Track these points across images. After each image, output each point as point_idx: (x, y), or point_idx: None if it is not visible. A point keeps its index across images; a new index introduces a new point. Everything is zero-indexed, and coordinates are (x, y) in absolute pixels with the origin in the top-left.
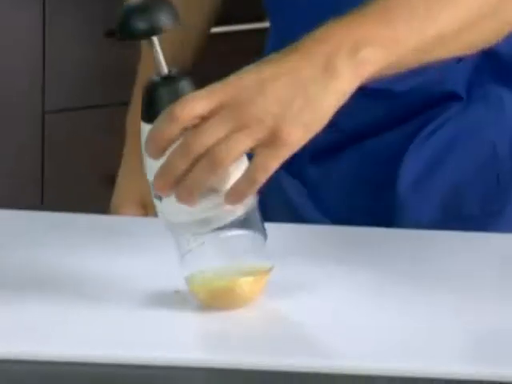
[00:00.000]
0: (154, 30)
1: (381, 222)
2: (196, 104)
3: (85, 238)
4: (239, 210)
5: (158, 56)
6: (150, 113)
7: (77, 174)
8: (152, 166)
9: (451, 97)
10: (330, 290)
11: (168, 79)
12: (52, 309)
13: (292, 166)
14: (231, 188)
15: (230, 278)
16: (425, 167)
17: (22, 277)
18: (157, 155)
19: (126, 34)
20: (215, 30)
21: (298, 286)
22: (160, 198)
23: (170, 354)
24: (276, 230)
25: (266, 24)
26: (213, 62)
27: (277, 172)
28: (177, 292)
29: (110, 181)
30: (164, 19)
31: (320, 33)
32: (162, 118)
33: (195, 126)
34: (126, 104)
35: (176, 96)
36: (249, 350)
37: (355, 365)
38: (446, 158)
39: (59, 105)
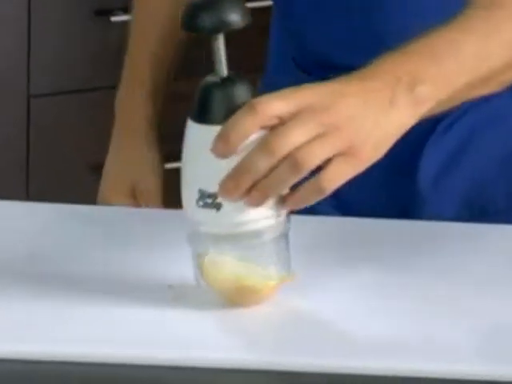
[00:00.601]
0: (221, 27)
1: (400, 217)
2: (277, 104)
3: (72, 228)
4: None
5: (221, 55)
6: (205, 114)
7: (64, 161)
8: (204, 172)
9: None
10: (342, 286)
11: (227, 81)
12: (40, 305)
13: None
14: (296, 195)
15: (258, 279)
16: (446, 159)
17: (8, 270)
18: (228, 153)
19: (192, 27)
20: None
21: (309, 280)
22: (218, 207)
23: (173, 353)
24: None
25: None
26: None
27: None
28: (170, 287)
29: (99, 169)
30: (233, 16)
31: (380, 64)
32: (240, 114)
33: (273, 128)
34: (116, 88)
35: (235, 100)
36: (251, 347)
37: (365, 365)
38: (468, 150)
39: (45, 89)
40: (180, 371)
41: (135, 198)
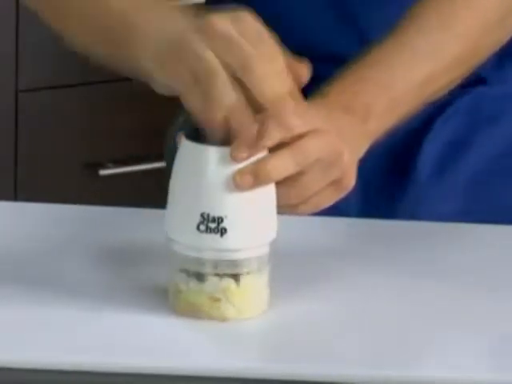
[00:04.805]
0: None
1: (399, 216)
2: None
3: (62, 230)
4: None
5: None
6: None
7: (53, 158)
8: (208, 195)
9: (474, 80)
10: (337, 289)
11: None
12: (26, 310)
13: None
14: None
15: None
16: (445, 154)
17: None
18: (255, 187)
19: None
20: None
21: (304, 283)
22: (222, 231)
23: (162, 362)
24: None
25: None
26: None
27: None
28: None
29: (90, 166)
30: None
31: (341, 92)
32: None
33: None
34: (108, 82)
35: None
36: (239, 355)
37: (362, 374)
38: (464, 148)
39: (34, 83)
40: (167, 380)
41: None
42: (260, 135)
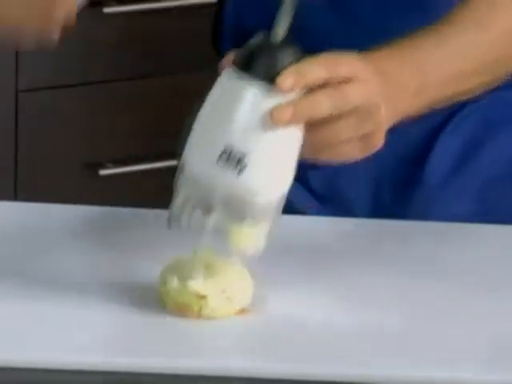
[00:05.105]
0: None
1: (411, 217)
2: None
3: (62, 230)
4: None
5: (285, 17)
6: (251, 69)
7: (53, 158)
8: (236, 128)
9: None
10: (345, 288)
11: (281, 42)
12: (26, 310)
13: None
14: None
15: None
16: (455, 160)
17: None
18: (290, 123)
19: None
20: None
21: (311, 281)
22: (242, 168)
23: (158, 361)
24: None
25: None
26: None
27: None
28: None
29: (90, 166)
30: None
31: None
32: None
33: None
34: (108, 82)
35: (284, 61)
36: (236, 354)
37: (362, 373)
38: (478, 148)
39: (34, 83)
40: (167, 379)
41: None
42: (306, 70)
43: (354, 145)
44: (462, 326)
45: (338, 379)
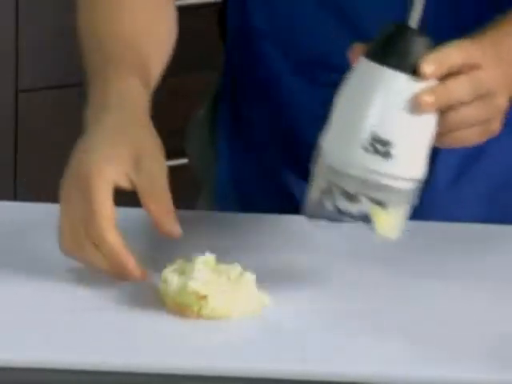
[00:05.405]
0: None
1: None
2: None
3: None
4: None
5: (420, 4)
6: (403, 60)
7: (54, 160)
8: (383, 117)
9: None
10: (345, 288)
11: (421, 31)
12: (26, 309)
13: (300, 167)
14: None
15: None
16: (461, 164)
17: None
18: (434, 109)
19: None
20: None
21: (312, 281)
22: (387, 156)
23: (162, 361)
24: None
25: None
26: None
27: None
28: None
29: None
30: None
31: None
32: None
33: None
34: None
35: (423, 51)
36: (233, 354)
37: (363, 374)
38: (483, 155)
39: (35, 83)
40: (167, 379)
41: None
42: (445, 57)
43: (476, 129)
44: (462, 326)
45: (337, 379)
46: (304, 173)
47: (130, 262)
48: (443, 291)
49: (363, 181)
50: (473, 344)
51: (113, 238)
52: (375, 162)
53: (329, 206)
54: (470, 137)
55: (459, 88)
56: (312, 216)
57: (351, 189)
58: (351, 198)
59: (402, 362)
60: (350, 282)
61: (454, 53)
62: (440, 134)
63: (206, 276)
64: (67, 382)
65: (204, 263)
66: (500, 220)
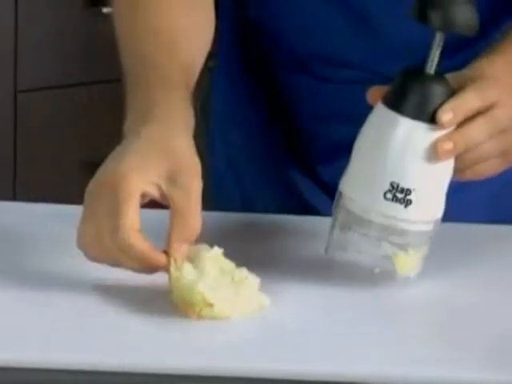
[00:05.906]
0: (448, 27)
1: None
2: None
3: (62, 230)
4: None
5: (436, 52)
6: (421, 111)
7: (52, 158)
8: (401, 166)
9: None
10: (345, 288)
11: (439, 79)
12: (26, 309)
13: (304, 164)
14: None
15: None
16: None
17: None
18: (451, 156)
19: (422, 18)
20: None
21: (312, 280)
22: (407, 203)
23: (161, 361)
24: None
25: None
26: None
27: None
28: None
29: (89, 166)
30: (459, 20)
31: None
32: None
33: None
34: (107, 82)
35: (440, 100)
36: (234, 355)
37: (362, 374)
38: None
39: (33, 83)
40: (168, 379)
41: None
42: (462, 104)
43: (493, 161)
44: (462, 326)
45: (337, 379)
46: (306, 168)
47: (162, 261)
48: (443, 291)
49: (384, 227)
50: (473, 344)
51: (140, 245)
52: (395, 209)
53: (350, 248)
54: (489, 169)
55: (477, 131)
56: (333, 255)
57: (372, 234)
58: (372, 242)
59: (402, 362)
60: (350, 282)
61: (471, 98)
62: (458, 169)
63: (215, 278)
64: (67, 382)
65: (212, 260)
66: (503, 220)
